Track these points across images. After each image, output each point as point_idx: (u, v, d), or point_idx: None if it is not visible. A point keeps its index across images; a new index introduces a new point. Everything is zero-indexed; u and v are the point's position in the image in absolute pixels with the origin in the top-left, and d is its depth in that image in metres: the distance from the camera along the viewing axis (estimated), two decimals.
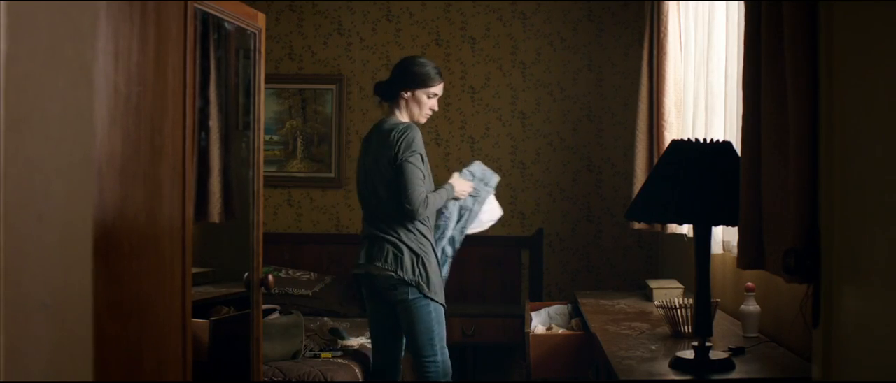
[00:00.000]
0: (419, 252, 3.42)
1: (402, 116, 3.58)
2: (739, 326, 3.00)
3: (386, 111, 3.65)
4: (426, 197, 3.40)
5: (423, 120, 3.62)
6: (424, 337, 3.45)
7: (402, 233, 3.43)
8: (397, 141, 3.43)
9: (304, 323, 4.17)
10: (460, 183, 3.65)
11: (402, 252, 3.41)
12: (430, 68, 3.59)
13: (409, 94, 3.56)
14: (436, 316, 3.47)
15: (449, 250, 3.66)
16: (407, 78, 3.58)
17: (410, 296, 3.41)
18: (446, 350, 3.54)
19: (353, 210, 5.49)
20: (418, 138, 3.44)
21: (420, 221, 3.45)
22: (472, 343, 4.92)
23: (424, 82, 3.56)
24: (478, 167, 3.78)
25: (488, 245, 5.12)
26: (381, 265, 3.42)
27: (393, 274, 3.40)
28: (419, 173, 3.40)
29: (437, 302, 3.45)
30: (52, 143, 1.06)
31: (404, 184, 3.39)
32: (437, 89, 3.61)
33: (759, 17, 2.23)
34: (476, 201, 3.69)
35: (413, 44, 5.44)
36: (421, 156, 3.43)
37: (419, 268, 3.42)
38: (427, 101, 3.59)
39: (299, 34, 5.49)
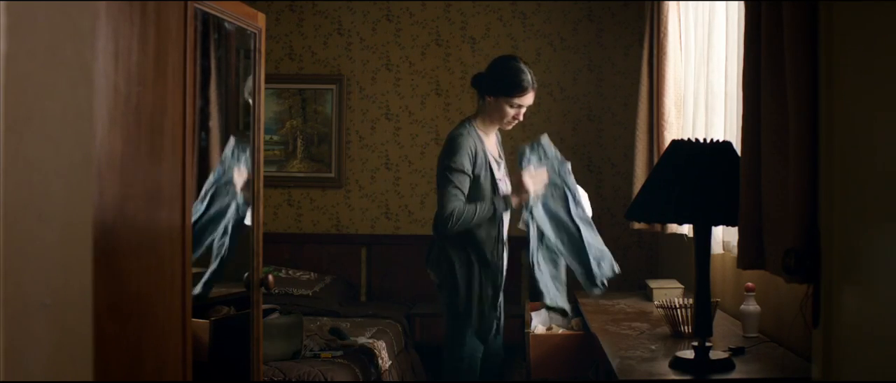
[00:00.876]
0: (453, 259, 3.34)
1: (483, 119, 3.43)
2: (739, 326, 3.00)
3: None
4: (452, 212, 3.22)
5: (506, 128, 3.47)
6: (451, 342, 3.39)
7: (445, 239, 3.36)
8: (444, 148, 3.37)
9: (304, 323, 4.17)
10: (528, 180, 3.34)
11: (440, 257, 3.38)
12: (519, 76, 3.34)
13: (491, 98, 3.38)
14: (466, 324, 3.36)
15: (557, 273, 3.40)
16: (492, 81, 3.38)
17: (445, 300, 3.40)
18: (477, 359, 3.39)
19: (353, 210, 5.49)
20: (460, 146, 3.28)
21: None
22: None
23: (507, 91, 3.35)
24: (546, 144, 3.43)
25: None
26: (429, 266, 3.47)
27: (434, 278, 3.43)
28: (450, 187, 3.24)
29: (469, 311, 3.34)
30: (52, 143, 1.06)
31: (438, 197, 3.32)
32: (522, 100, 3.37)
33: (759, 17, 2.23)
34: (558, 189, 3.38)
35: (413, 44, 5.44)
36: (461, 171, 3.26)
37: (450, 275, 3.34)
38: (509, 111, 3.38)
39: (299, 34, 5.49)
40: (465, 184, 3.28)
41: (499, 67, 3.40)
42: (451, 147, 3.32)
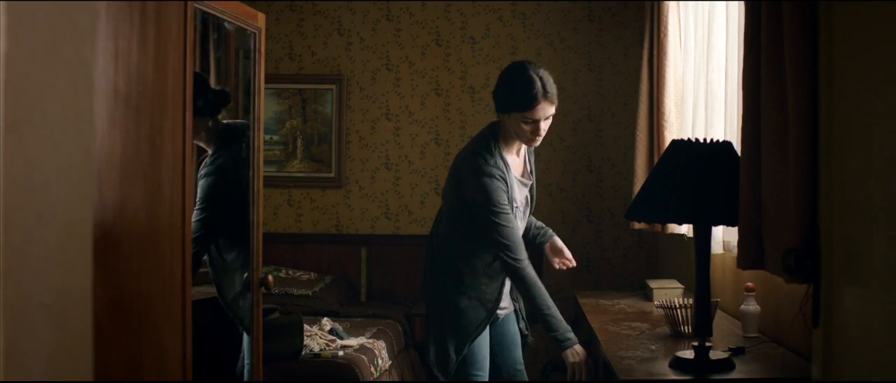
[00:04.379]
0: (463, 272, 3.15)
1: (504, 138, 3.07)
2: (739, 326, 3.00)
3: None
4: (524, 271, 3.01)
5: (528, 145, 3.10)
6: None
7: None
8: (475, 182, 3.01)
9: (304, 323, 4.16)
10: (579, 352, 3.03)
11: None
12: (526, 88, 2.93)
13: (505, 116, 3.00)
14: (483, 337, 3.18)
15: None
16: (502, 96, 3.01)
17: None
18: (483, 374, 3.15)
19: (353, 210, 5.49)
20: (494, 188, 2.97)
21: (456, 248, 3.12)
22: None
23: (516, 106, 2.95)
24: None
25: None
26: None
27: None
28: (506, 228, 2.98)
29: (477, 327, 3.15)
30: (52, 143, 1.06)
31: (495, 236, 3.00)
32: (535, 114, 2.95)
33: (758, 17, 2.23)
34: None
35: (413, 44, 5.44)
36: (505, 211, 2.99)
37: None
38: (525, 128, 2.97)
39: (299, 34, 5.49)
40: (512, 216, 3.03)
41: (506, 79, 3.02)
42: (480, 182, 2.99)
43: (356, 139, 5.49)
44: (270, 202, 5.46)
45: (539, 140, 3.04)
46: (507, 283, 3.19)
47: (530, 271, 3.03)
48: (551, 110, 3.00)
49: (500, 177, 3.00)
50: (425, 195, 5.46)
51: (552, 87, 2.98)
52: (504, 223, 2.99)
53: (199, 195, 3.09)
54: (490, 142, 3.06)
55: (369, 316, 4.92)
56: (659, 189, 2.45)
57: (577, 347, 3.00)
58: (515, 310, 3.33)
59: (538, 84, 2.94)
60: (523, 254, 3.03)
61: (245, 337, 3.20)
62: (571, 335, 3.01)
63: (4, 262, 0.96)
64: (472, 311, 3.11)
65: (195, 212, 3.08)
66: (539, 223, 3.40)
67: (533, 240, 3.39)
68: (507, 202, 3.01)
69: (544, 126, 3.00)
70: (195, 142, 3.11)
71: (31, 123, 1.01)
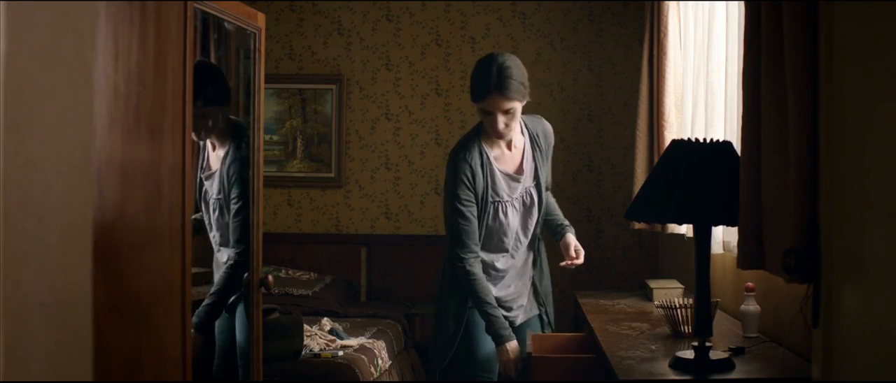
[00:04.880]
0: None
1: (485, 130, 3.06)
2: (739, 326, 3.00)
3: None
4: (469, 271, 3.00)
5: (496, 137, 3.02)
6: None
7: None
8: (447, 169, 3.10)
9: (304, 323, 4.16)
10: (513, 352, 3.03)
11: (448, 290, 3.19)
12: (478, 78, 2.93)
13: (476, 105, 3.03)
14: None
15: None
16: (470, 86, 3.03)
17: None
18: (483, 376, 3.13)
19: (353, 210, 5.49)
20: (455, 178, 2.99)
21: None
22: None
23: (473, 96, 2.98)
24: None
25: None
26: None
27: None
28: (460, 220, 3.00)
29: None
30: (51, 143, 1.06)
31: (447, 228, 3.08)
32: (488, 105, 2.92)
33: (758, 17, 2.23)
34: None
35: (413, 44, 5.44)
36: (462, 202, 2.99)
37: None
38: (486, 118, 2.96)
39: (299, 34, 5.49)
40: (474, 210, 3.03)
41: (473, 69, 3.02)
42: (449, 173, 3.05)
43: (356, 139, 5.49)
44: (270, 202, 5.46)
45: (502, 133, 2.97)
46: (515, 286, 3.20)
47: (472, 269, 3.02)
48: (507, 105, 2.91)
49: (468, 170, 3.00)
50: (425, 195, 5.46)
51: (510, 82, 2.89)
52: (457, 217, 3.01)
53: (236, 191, 3.08)
54: (472, 136, 3.09)
55: (369, 316, 4.92)
56: (659, 189, 2.45)
57: (510, 345, 3.02)
58: (540, 316, 3.31)
59: (492, 76, 2.88)
60: (466, 253, 3.02)
61: (216, 335, 3.20)
62: (505, 332, 3.02)
63: (4, 262, 0.96)
64: (465, 311, 3.12)
65: (237, 207, 3.06)
66: (562, 221, 3.38)
67: (551, 237, 3.40)
68: (469, 197, 3.00)
69: (502, 119, 2.93)
70: (208, 137, 3.12)
71: (31, 123, 1.01)
